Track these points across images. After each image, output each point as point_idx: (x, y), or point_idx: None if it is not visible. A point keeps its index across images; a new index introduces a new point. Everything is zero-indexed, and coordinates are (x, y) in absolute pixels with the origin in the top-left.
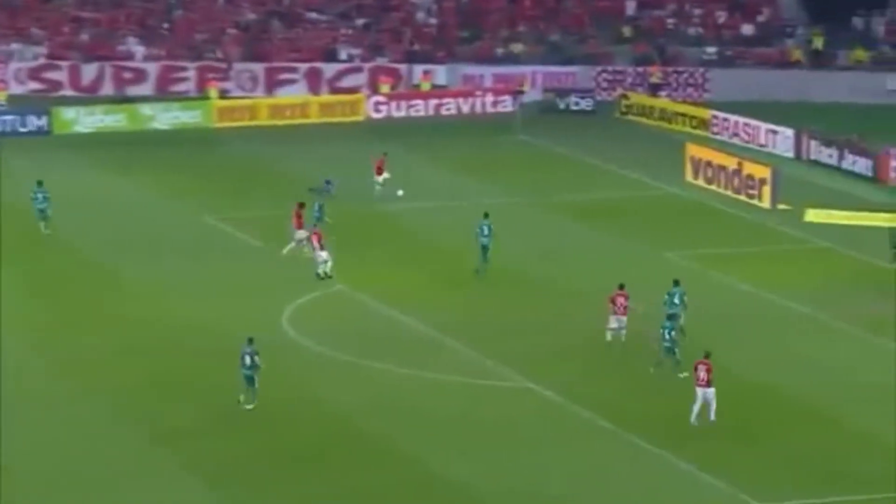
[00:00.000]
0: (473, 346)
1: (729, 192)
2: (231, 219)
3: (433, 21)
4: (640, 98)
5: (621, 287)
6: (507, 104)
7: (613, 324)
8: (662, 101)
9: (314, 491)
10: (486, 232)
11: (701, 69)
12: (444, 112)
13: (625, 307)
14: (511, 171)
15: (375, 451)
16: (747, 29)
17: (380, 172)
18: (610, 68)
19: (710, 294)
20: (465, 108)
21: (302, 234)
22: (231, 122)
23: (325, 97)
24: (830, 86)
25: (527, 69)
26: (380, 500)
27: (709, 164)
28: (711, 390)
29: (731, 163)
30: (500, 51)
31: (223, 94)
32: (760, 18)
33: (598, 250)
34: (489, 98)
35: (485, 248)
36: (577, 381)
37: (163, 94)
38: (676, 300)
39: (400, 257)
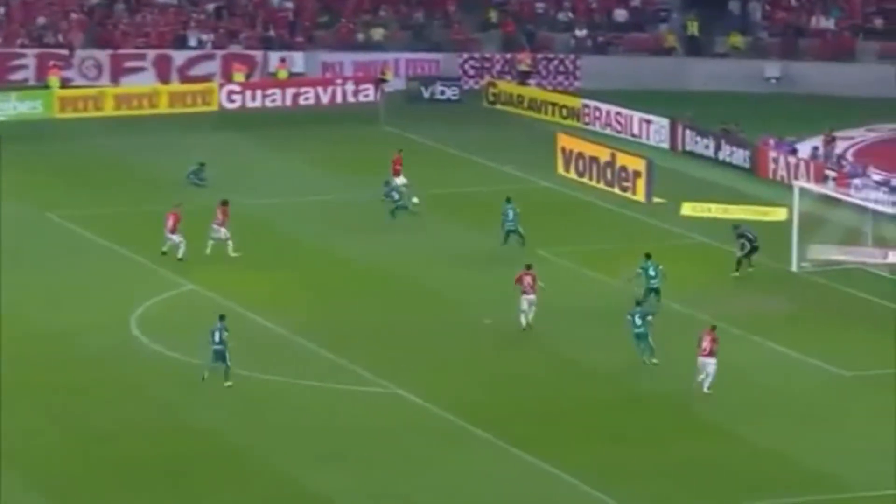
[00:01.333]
0: (336, 350)
1: (602, 186)
2: (76, 216)
3: (289, 5)
4: (508, 86)
5: (528, 267)
6: (369, 93)
7: (523, 304)
8: (532, 90)
9: None
10: (510, 217)
11: (571, 56)
12: (302, 102)
13: (531, 286)
14: (375, 163)
15: (234, 462)
16: (620, 14)
17: (397, 174)
18: (477, 55)
19: (585, 293)
20: (325, 98)
21: (223, 231)
22: (74, 113)
23: (175, 86)
24: (706, 73)
25: (389, 56)
26: None
27: (580, 155)
28: (713, 361)
29: (603, 154)
30: (360, 36)
31: (65, 84)
32: (634, 3)
33: (468, 247)
34: (350, 87)
35: (510, 233)
36: (446, 386)
37: None
38: (653, 272)
39: (258, 255)
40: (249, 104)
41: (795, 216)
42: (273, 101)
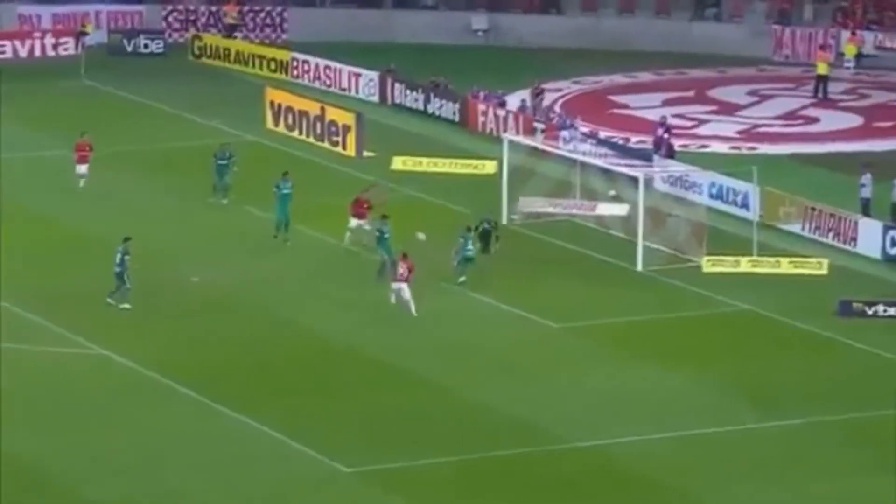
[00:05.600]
0: (40, 312)
1: (312, 140)
2: None
3: None
4: (214, 39)
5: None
6: (69, 46)
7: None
8: (238, 43)
9: None
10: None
11: (279, 8)
12: None
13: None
14: (75, 119)
15: None
16: None
17: (83, 160)
18: (181, 7)
19: (297, 249)
20: (23, 52)
21: None
22: None
23: None
24: (414, 25)
25: (90, 8)
26: None
27: (290, 109)
28: (405, 286)
29: (313, 108)
30: None
31: None
32: None
33: (172, 205)
34: (49, 40)
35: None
36: (153, 345)
37: None
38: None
39: None
40: None
41: (505, 169)
42: None
